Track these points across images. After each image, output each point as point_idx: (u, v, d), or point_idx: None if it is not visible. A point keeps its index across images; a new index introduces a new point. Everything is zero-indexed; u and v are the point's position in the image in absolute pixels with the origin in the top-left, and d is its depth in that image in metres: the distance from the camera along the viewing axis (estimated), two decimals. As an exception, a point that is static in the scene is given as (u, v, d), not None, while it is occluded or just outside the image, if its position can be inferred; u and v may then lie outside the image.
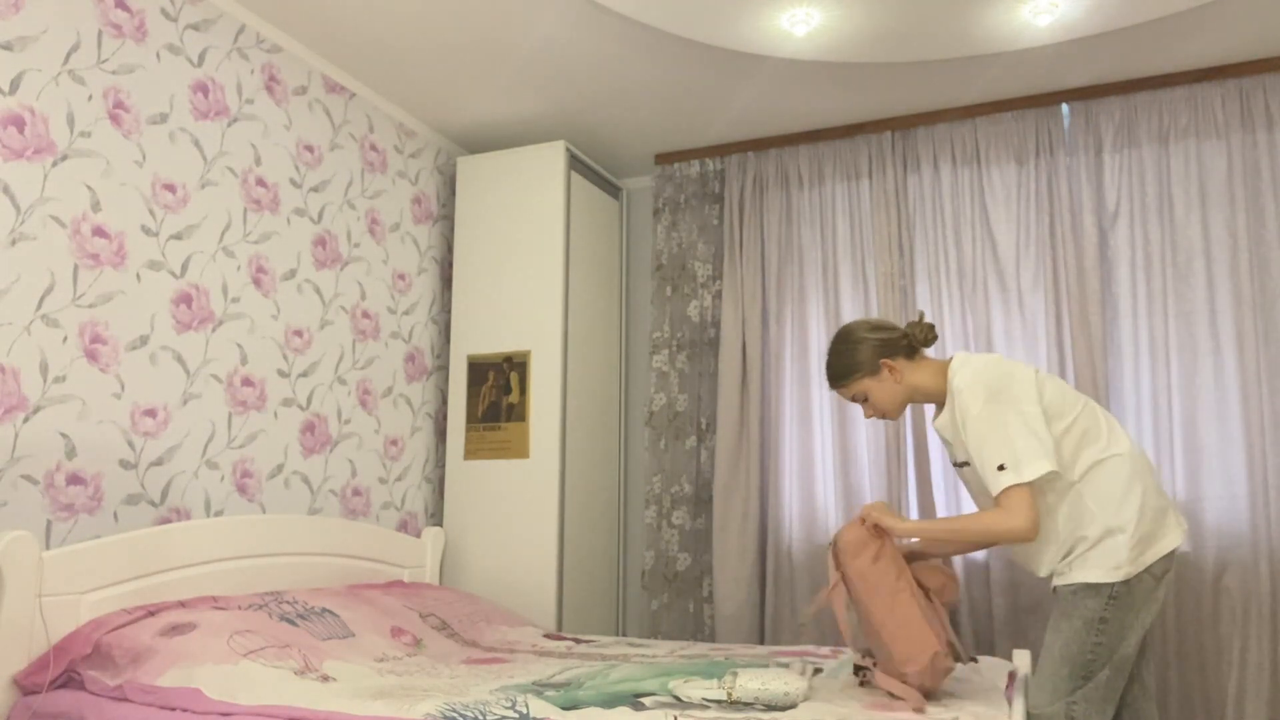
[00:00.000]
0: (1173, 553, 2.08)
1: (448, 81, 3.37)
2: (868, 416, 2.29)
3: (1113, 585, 2.03)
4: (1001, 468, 1.99)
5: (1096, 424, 2.12)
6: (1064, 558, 2.11)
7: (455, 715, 1.76)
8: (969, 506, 3.33)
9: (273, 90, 3.01)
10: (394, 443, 3.47)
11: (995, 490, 2.01)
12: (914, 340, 2.24)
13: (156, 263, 2.57)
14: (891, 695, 1.93)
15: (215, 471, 2.71)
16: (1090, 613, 2.04)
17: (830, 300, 3.64)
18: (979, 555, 3.32)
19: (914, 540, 2.21)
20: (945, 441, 2.24)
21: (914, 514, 3.40)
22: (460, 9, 2.90)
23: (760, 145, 3.84)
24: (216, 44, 2.81)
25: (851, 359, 2.23)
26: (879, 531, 2.05)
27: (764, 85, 3.39)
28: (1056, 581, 2.12)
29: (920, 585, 2.07)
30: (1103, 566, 2.03)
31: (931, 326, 2.25)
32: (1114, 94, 3.35)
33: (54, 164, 2.31)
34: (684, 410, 3.80)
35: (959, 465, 2.24)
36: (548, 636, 2.95)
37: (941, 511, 3.38)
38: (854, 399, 2.28)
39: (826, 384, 2.21)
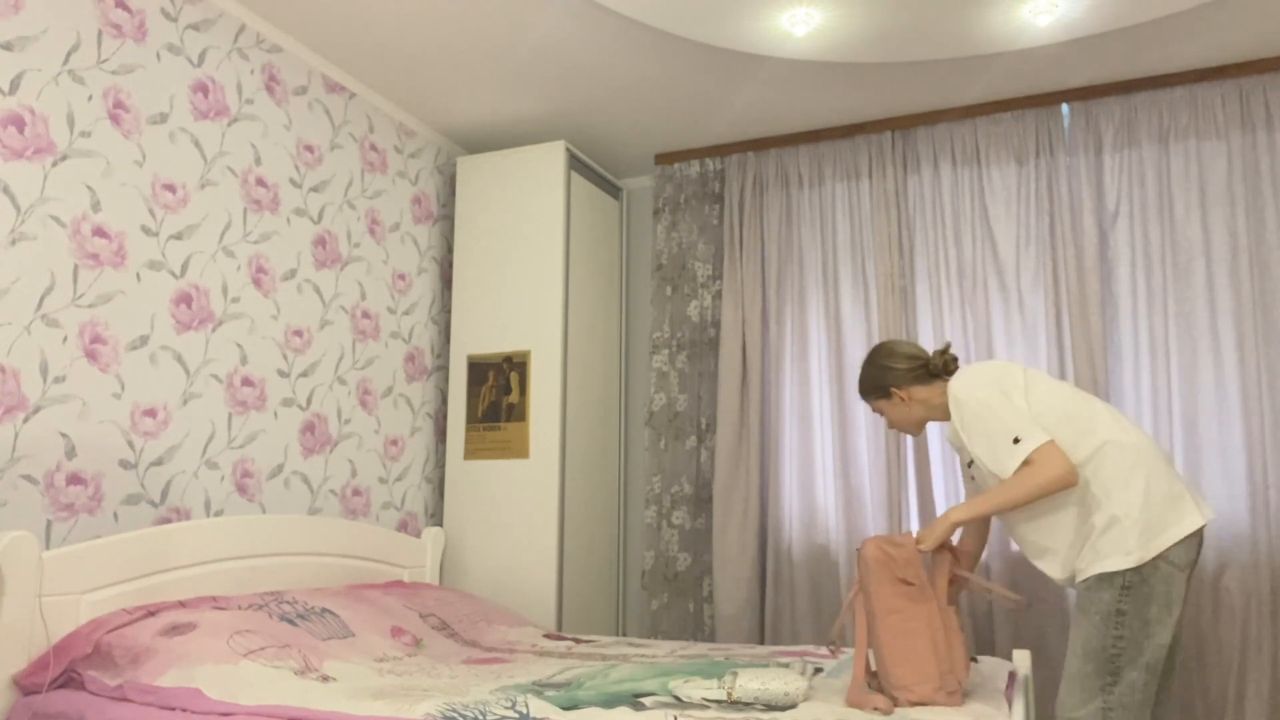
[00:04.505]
0: (1193, 539, 2.05)
1: (448, 81, 3.37)
2: (890, 429, 2.56)
3: (1125, 574, 2.01)
4: (1017, 440, 2.09)
5: (1092, 414, 2.15)
6: (1079, 552, 2.12)
7: (455, 715, 1.76)
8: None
9: (273, 90, 3.01)
10: (394, 443, 3.47)
11: (1015, 463, 2.09)
12: (932, 368, 2.38)
13: (156, 263, 2.57)
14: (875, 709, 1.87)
15: (215, 471, 2.71)
16: (1105, 605, 2.03)
17: (830, 300, 3.64)
18: (979, 555, 3.32)
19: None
20: (955, 448, 2.37)
21: (914, 514, 3.40)
22: (460, 9, 2.90)
23: (760, 145, 3.84)
24: (216, 44, 2.81)
25: (868, 381, 2.44)
26: (906, 549, 2.01)
27: (764, 85, 3.39)
28: (1077, 579, 2.13)
29: (954, 579, 2.08)
30: (1114, 554, 2.03)
31: (954, 359, 2.39)
32: (1114, 94, 3.35)
33: (54, 164, 2.31)
34: (684, 410, 3.80)
35: (970, 466, 2.31)
36: (548, 636, 2.94)
37: (940, 509, 3.37)
38: (876, 411, 2.49)
39: (854, 393, 2.61)
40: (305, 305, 3.08)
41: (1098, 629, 2.04)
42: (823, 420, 3.60)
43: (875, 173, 3.63)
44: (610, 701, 1.88)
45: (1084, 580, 2.08)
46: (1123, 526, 2.03)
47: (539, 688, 2.02)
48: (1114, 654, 2.02)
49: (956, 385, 2.26)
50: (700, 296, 3.84)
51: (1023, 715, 1.96)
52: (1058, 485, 2.05)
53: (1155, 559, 2.02)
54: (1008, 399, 2.16)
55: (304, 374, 3.06)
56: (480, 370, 3.65)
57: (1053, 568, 2.18)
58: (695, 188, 3.93)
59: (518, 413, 3.56)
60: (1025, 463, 2.08)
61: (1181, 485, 2.11)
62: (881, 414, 2.47)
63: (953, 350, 2.53)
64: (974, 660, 2.22)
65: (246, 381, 2.83)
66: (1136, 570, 2.02)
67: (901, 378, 2.38)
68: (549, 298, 3.58)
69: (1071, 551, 2.14)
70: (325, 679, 2.04)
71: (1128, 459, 2.08)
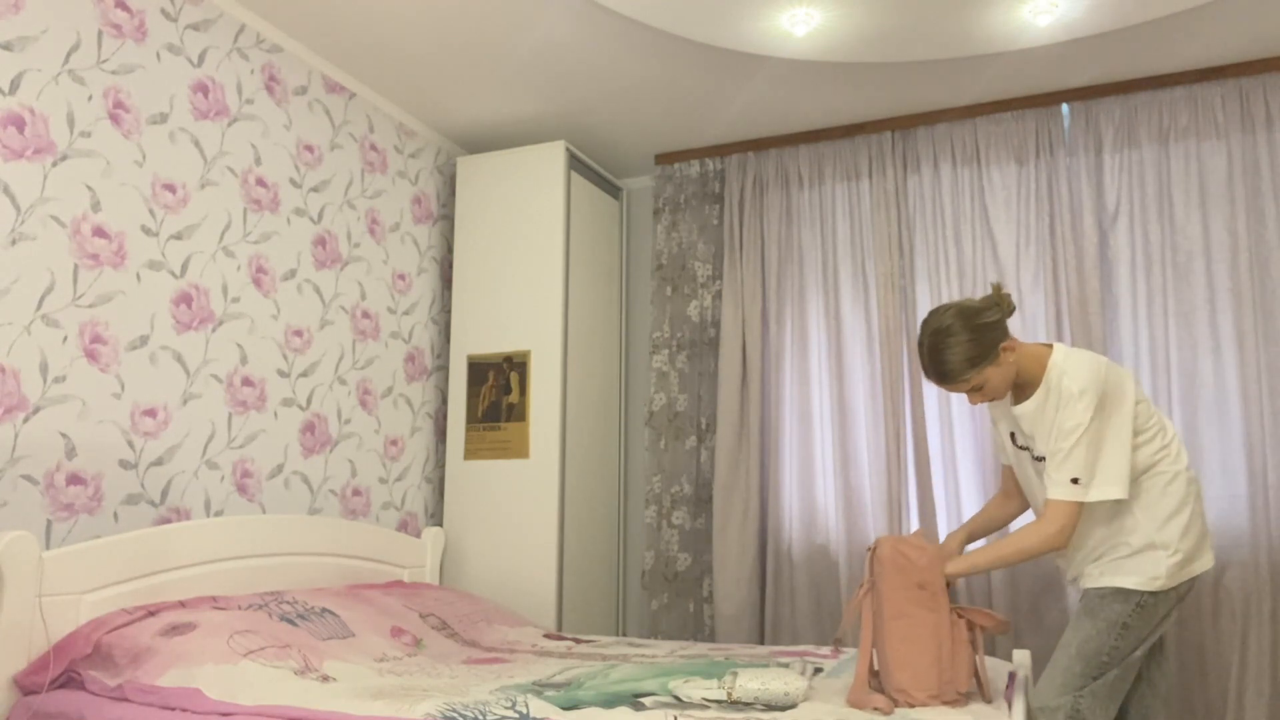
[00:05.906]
0: (1199, 575, 2.17)
1: (448, 81, 3.37)
2: (975, 403, 2.17)
3: (1143, 595, 2.09)
4: (1075, 481, 2.06)
5: (1167, 439, 2.17)
6: (1095, 560, 2.17)
7: (455, 715, 1.76)
8: (970, 505, 3.33)
9: (273, 90, 3.01)
10: (394, 443, 3.46)
11: (1051, 493, 2.08)
12: (1004, 316, 2.14)
13: (156, 263, 2.57)
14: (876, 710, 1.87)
15: (215, 471, 2.71)
16: (1115, 616, 2.10)
17: (830, 300, 3.64)
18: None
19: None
20: (1019, 428, 2.20)
21: (914, 514, 3.40)
22: (460, 9, 2.90)
23: (760, 145, 3.84)
24: (216, 44, 2.81)
25: (973, 350, 2.08)
26: (926, 555, 2.00)
27: (764, 85, 3.38)
28: (1086, 584, 2.18)
29: (965, 619, 2.01)
30: (1142, 575, 2.09)
31: (1009, 297, 2.16)
32: (1114, 94, 3.35)
33: (54, 164, 2.31)
34: (684, 410, 3.80)
35: (1024, 449, 2.23)
36: (548, 636, 2.94)
37: (940, 509, 3.38)
38: (971, 389, 2.13)
39: (934, 382, 2.14)
40: (305, 305, 3.08)
41: (1101, 634, 2.10)
42: (823, 420, 3.60)
43: (875, 173, 3.63)
44: (610, 701, 1.88)
45: (1099, 588, 2.14)
46: (1158, 555, 2.10)
47: (539, 688, 2.02)
48: (1105, 660, 2.09)
49: (1075, 385, 2.06)
50: (700, 296, 3.84)
51: (1023, 715, 1.96)
52: (1047, 548, 2.07)
53: (1171, 589, 2.11)
54: (1111, 427, 2.07)
55: (304, 374, 3.06)
56: (480, 370, 3.65)
57: (1062, 560, 2.26)
58: (695, 188, 3.93)
59: (518, 413, 3.56)
60: (1048, 502, 2.08)
61: (1206, 526, 2.19)
62: (977, 389, 2.12)
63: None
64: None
65: (246, 381, 2.83)
66: (1153, 594, 2.09)
67: (1002, 330, 2.11)
68: (549, 298, 3.58)
69: (1087, 554, 2.19)
70: (325, 679, 2.04)
71: (1181, 491, 2.13)
